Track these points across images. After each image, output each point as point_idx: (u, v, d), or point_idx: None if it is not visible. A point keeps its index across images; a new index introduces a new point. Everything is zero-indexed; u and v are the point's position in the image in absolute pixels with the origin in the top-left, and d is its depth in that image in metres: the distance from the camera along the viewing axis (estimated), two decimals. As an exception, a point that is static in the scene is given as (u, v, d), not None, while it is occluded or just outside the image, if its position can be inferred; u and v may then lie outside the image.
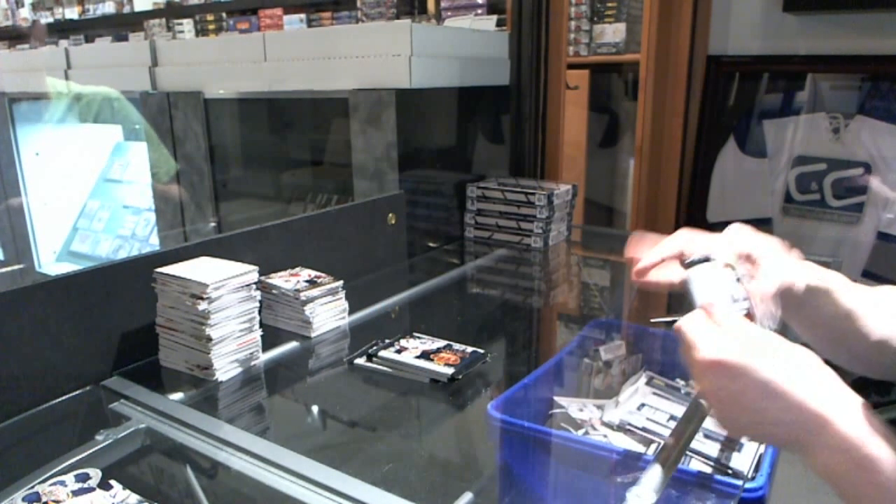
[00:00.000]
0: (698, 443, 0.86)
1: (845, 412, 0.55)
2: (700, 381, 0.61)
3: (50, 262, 2.72)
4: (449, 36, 1.75)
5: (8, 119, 2.58)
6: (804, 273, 0.72)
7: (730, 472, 0.80)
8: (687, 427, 0.66)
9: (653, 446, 0.86)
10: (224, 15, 4.23)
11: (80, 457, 0.79)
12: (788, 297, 0.71)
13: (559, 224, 1.79)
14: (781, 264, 0.72)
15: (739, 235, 0.74)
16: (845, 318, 0.72)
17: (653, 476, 0.63)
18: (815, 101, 1.89)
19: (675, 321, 0.76)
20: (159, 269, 1.01)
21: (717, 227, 0.75)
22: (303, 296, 1.14)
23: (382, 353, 1.04)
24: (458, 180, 1.81)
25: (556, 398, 0.96)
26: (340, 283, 1.21)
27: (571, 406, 0.94)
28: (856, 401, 0.56)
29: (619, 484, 0.75)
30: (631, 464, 0.77)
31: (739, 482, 0.74)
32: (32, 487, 0.70)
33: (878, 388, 1.78)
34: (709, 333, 0.60)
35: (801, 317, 0.75)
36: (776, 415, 0.56)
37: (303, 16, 3.88)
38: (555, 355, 1.04)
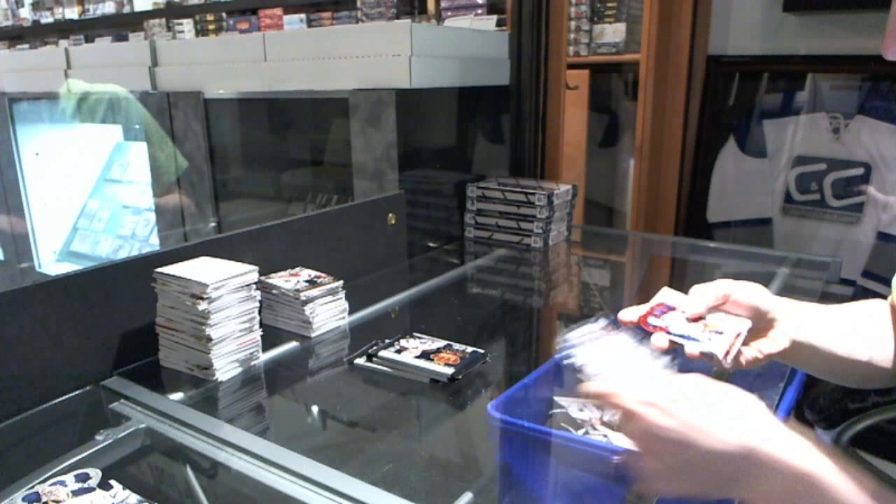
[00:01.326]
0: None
1: (770, 437, 0.55)
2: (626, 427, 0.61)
3: (50, 262, 2.72)
4: (449, 36, 1.75)
5: (8, 119, 2.58)
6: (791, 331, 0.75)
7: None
8: None
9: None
10: (224, 15, 4.23)
11: (80, 457, 0.79)
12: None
13: (559, 224, 1.79)
14: (793, 323, 0.75)
15: (743, 291, 0.75)
16: (835, 360, 0.77)
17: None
18: (815, 101, 1.89)
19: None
20: (159, 269, 1.01)
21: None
22: (303, 296, 1.14)
23: (382, 353, 1.04)
24: (458, 180, 1.81)
25: (556, 398, 0.96)
26: (340, 283, 1.21)
27: (571, 406, 0.93)
28: (781, 428, 0.57)
29: (619, 484, 0.75)
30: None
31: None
32: (32, 487, 0.70)
33: (878, 389, 1.77)
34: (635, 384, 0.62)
35: (797, 363, 0.80)
36: (700, 456, 0.56)
37: (303, 16, 3.87)
38: (555, 355, 1.03)
